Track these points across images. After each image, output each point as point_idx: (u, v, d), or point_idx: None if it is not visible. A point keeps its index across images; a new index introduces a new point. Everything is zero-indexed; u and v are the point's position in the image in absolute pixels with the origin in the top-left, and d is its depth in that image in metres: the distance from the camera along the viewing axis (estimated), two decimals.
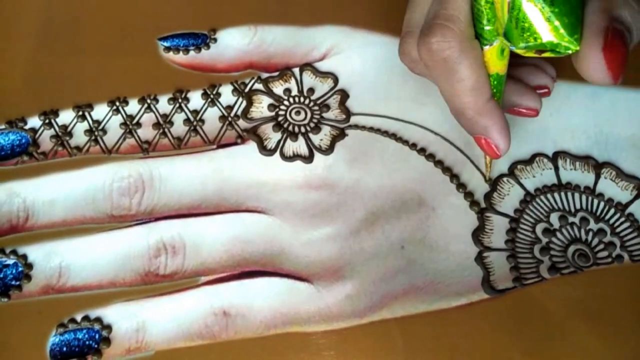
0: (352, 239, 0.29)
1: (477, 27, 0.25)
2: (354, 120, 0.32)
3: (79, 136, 0.32)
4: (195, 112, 0.32)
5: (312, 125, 0.32)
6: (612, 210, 0.29)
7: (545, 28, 0.23)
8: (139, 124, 0.32)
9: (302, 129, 0.32)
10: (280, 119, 0.32)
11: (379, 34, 0.34)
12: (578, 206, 0.30)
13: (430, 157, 0.31)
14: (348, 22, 0.34)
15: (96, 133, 0.32)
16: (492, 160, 0.30)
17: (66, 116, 0.32)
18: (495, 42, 0.25)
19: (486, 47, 0.25)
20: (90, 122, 0.32)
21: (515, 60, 0.27)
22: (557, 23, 0.22)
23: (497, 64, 0.25)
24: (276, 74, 0.33)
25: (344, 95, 0.33)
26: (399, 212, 0.30)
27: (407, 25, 0.27)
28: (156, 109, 0.32)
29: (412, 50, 0.27)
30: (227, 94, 0.33)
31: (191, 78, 0.33)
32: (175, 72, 0.34)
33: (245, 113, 0.32)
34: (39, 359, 0.27)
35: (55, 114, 0.32)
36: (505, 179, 0.30)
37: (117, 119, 0.32)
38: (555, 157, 0.31)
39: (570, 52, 0.23)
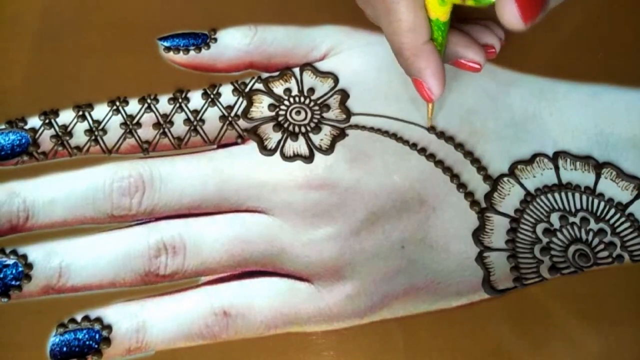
0: (353, 239, 0.29)
1: None
2: (354, 120, 0.32)
3: (79, 136, 0.32)
4: (195, 112, 0.32)
5: (312, 125, 0.32)
6: (613, 210, 0.29)
7: None
8: (139, 124, 0.32)
9: (303, 129, 0.32)
10: (280, 118, 0.32)
11: (379, 33, 0.34)
12: (578, 206, 0.30)
13: (431, 157, 0.31)
14: (348, 22, 0.34)
15: (96, 133, 0.32)
16: (432, 108, 0.30)
17: (66, 116, 0.32)
18: None
19: None
20: (91, 122, 0.32)
21: (466, 18, 0.28)
22: None
23: (438, 10, 0.26)
24: (276, 73, 0.33)
25: (344, 95, 0.33)
26: (399, 212, 0.30)
27: None
28: (156, 108, 0.32)
29: None
30: (227, 94, 0.33)
31: (191, 78, 0.33)
32: (176, 72, 0.34)
33: (246, 113, 0.32)
34: (39, 359, 0.27)
35: (56, 113, 0.32)
36: (505, 178, 0.30)
37: (118, 119, 0.32)
38: (555, 157, 0.31)
39: (488, 2, 0.25)
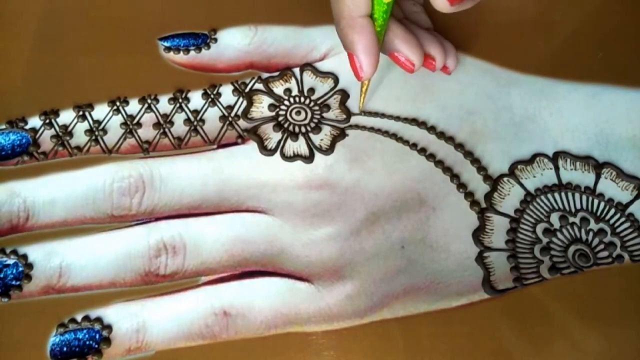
0: (353, 239, 0.29)
1: None
2: (354, 120, 0.32)
3: (80, 136, 0.32)
4: (195, 112, 0.32)
5: (312, 125, 0.32)
6: (613, 211, 0.29)
7: None
8: (139, 124, 0.32)
9: (303, 129, 0.32)
10: (280, 118, 0.32)
11: None
12: (578, 206, 0.30)
13: (431, 157, 0.31)
14: None
15: (96, 133, 0.32)
16: (365, 89, 0.30)
17: (66, 116, 0.32)
18: None
19: None
20: (91, 122, 0.32)
21: (419, 23, 0.30)
22: None
23: None
24: (276, 74, 0.33)
25: (345, 95, 0.33)
26: (399, 212, 0.30)
27: None
28: (157, 108, 0.32)
29: None
30: (227, 94, 0.33)
31: (191, 78, 0.33)
32: (176, 72, 0.34)
33: (246, 113, 0.32)
34: (39, 358, 0.27)
35: (56, 113, 0.32)
36: (505, 178, 0.30)
37: (118, 119, 0.32)
38: (555, 157, 0.31)
39: None
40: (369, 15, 0.27)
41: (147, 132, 0.32)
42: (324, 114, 0.32)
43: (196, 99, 0.33)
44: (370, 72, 0.27)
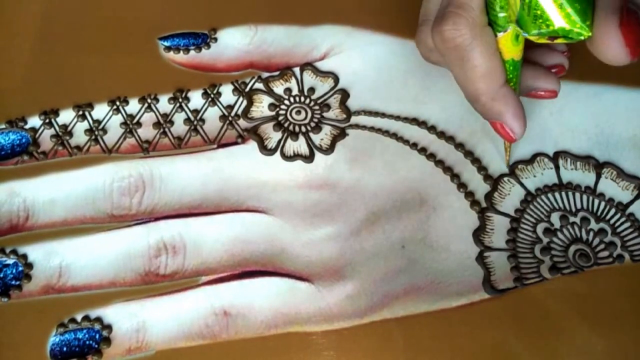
0: (353, 239, 0.29)
1: (490, 14, 0.25)
2: (354, 119, 0.32)
3: (79, 136, 0.32)
4: (195, 112, 0.32)
5: (312, 124, 0.32)
6: (613, 210, 0.29)
7: (557, 15, 0.23)
8: (139, 124, 0.32)
9: (303, 129, 0.32)
10: (280, 118, 0.32)
11: (379, 33, 0.34)
12: (579, 206, 0.30)
13: (431, 156, 0.31)
14: (349, 22, 0.34)
15: (96, 132, 0.32)
16: (510, 144, 0.30)
17: (66, 116, 0.32)
18: (509, 29, 0.25)
19: (500, 34, 0.25)
20: (91, 121, 0.32)
21: (526, 43, 0.27)
22: (569, 10, 0.22)
23: (512, 50, 0.25)
24: (277, 73, 0.33)
25: (345, 94, 0.33)
26: (399, 212, 0.30)
27: (423, 15, 0.28)
28: (156, 108, 0.32)
29: (427, 38, 0.27)
30: (227, 94, 0.33)
31: (191, 77, 0.33)
32: (176, 71, 0.34)
33: (246, 112, 0.32)
34: (39, 358, 0.27)
35: (56, 113, 0.32)
36: (506, 178, 0.30)
37: (118, 119, 0.32)
38: (556, 157, 0.31)
39: (582, 38, 0.23)
40: (505, 81, 0.26)
41: (147, 131, 0.32)
42: (324, 114, 0.32)
43: (196, 99, 0.33)
44: (523, 132, 0.27)
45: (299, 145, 0.31)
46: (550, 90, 0.29)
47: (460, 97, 0.32)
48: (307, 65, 0.33)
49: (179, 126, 0.32)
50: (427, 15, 0.27)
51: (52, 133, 0.32)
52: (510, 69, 0.26)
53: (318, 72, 0.33)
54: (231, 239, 0.29)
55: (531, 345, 0.27)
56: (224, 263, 0.29)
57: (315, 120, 0.32)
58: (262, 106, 0.32)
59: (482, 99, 0.26)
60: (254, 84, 0.33)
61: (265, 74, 0.33)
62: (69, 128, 0.32)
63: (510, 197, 0.30)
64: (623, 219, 0.29)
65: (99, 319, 0.28)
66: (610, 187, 0.30)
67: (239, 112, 0.32)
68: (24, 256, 0.29)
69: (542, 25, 0.23)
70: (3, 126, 0.32)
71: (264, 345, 0.27)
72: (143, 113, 0.32)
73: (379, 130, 0.32)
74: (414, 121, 0.32)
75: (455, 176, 0.30)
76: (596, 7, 0.23)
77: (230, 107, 0.32)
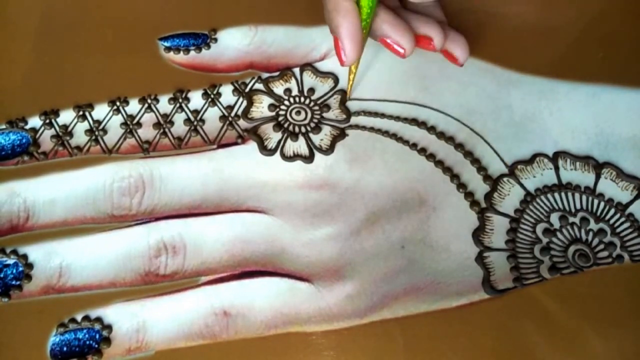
0: (353, 239, 0.29)
1: None
2: (354, 120, 0.32)
3: (80, 136, 0.32)
4: (195, 112, 0.32)
5: (312, 125, 0.32)
6: (613, 211, 0.29)
7: None
8: (139, 124, 0.32)
9: (303, 129, 0.32)
10: (280, 118, 0.32)
11: None
12: (578, 206, 0.30)
13: (431, 157, 0.31)
14: None
15: (97, 133, 0.32)
16: (354, 75, 0.31)
17: (67, 116, 0.32)
18: None
19: None
20: (91, 122, 0.32)
21: (409, 7, 0.29)
22: None
23: None
24: (276, 74, 0.33)
25: (345, 95, 0.33)
26: (399, 212, 0.30)
27: None
28: (157, 108, 0.32)
29: None
30: (227, 94, 0.33)
31: (192, 78, 0.33)
32: (176, 72, 0.34)
33: (246, 113, 0.32)
34: (40, 358, 0.27)
35: (56, 113, 0.32)
36: (505, 178, 0.30)
37: (118, 119, 0.32)
38: (555, 157, 0.31)
39: None
40: (355, 1, 0.27)
41: (147, 132, 0.32)
42: (324, 114, 0.32)
43: (196, 99, 0.33)
44: (352, 57, 0.28)
45: (299, 146, 0.31)
46: (400, 45, 0.29)
47: (460, 97, 0.32)
48: (307, 66, 0.33)
49: (179, 126, 0.32)
50: None
51: (53, 133, 0.32)
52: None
53: (318, 72, 0.33)
54: (231, 239, 0.29)
55: (531, 345, 0.27)
56: (224, 263, 0.29)
57: (315, 120, 0.32)
58: (262, 106, 0.32)
59: (328, 6, 0.27)
60: (254, 84, 0.33)
61: (265, 75, 0.33)
62: (70, 128, 0.32)
63: (510, 198, 0.30)
64: (622, 219, 0.29)
65: (99, 319, 0.28)
66: (609, 187, 0.30)
67: (239, 112, 0.32)
68: (24, 256, 0.29)
69: None
70: (3, 126, 0.32)
71: (264, 345, 0.27)
72: (143, 113, 0.32)
73: (378, 131, 0.32)
74: (414, 121, 0.32)
75: (455, 176, 0.31)
76: None
77: (230, 108, 0.32)
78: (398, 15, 0.29)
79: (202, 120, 0.32)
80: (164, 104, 0.33)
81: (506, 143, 0.31)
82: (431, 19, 0.30)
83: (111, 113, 0.32)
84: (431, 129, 0.31)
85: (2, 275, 0.28)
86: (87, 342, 0.27)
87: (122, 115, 0.32)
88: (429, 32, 0.29)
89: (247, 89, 0.33)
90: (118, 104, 0.33)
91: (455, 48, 0.31)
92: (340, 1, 0.27)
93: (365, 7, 0.28)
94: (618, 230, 0.29)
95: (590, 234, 0.29)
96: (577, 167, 0.30)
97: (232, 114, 0.32)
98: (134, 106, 0.33)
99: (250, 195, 0.30)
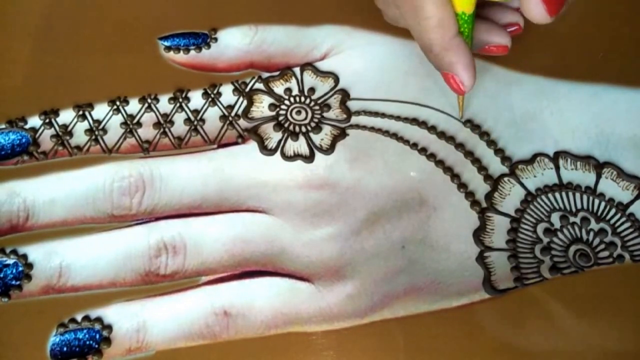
0: (353, 239, 0.29)
1: None
2: (354, 120, 0.32)
3: (80, 136, 0.32)
4: (195, 112, 0.32)
5: (312, 124, 0.32)
6: (613, 210, 0.29)
7: None
8: (139, 124, 0.32)
9: (303, 129, 0.32)
10: (281, 118, 0.32)
11: (379, 33, 0.34)
12: (579, 206, 0.30)
13: (431, 157, 0.31)
14: (349, 22, 0.34)
15: (96, 132, 0.32)
16: (463, 99, 0.31)
17: (66, 116, 0.32)
18: None
19: None
20: (91, 121, 0.32)
21: (483, 1, 0.29)
22: None
23: (463, 3, 0.27)
24: (277, 73, 0.33)
25: (345, 94, 0.33)
26: (400, 212, 0.30)
27: None
28: (157, 108, 0.32)
29: None
30: (227, 94, 0.33)
31: (192, 77, 0.33)
32: (176, 71, 0.34)
33: (246, 113, 0.32)
34: (39, 358, 0.27)
35: (56, 113, 0.32)
36: (506, 178, 0.30)
37: (118, 119, 0.32)
38: (556, 157, 0.31)
39: None
40: (458, 32, 0.27)
41: (147, 131, 0.32)
42: (325, 114, 0.32)
43: (196, 99, 0.33)
44: (472, 84, 0.28)
45: (299, 145, 0.31)
46: (501, 45, 0.30)
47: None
48: (308, 65, 0.33)
49: (179, 126, 0.32)
50: None
51: (52, 133, 0.32)
52: (461, 22, 0.27)
53: (318, 72, 0.33)
54: (231, 239, 0.29)
55: (531, 345, 0.27)
56: (224, 263, 0.29)
57: (316, 120, 0.32)
58: (262, 106, 0.32)
59: (435, 49, 0.27)
60: (254, 84, 0.33)
61: (265, 74, 0.33)
62: (69, 128, 0.32)
63: (511, 197, 0.30)
64: (623, 219, 0.29)
65: (99, 319, 0.28)
66: (610, 187, 0.30)
67: (239, 112, 0.32)
68: (24, 256, 0.29)
69: None
70: (3, 126, 0.32)
71: (264, 345, 0.27)
72: (143, 113, 0.32)
73: (379, 131, 0.32)
74: (414, 121, 0.32)
75: (455, 176, 0.30)
76: None
77: (230, 107, 0.32)
78: (481, 16, 0.30)
79: (202, 120, 0.32)
80: (164, 104, 0.33)
81: (507, 143, 0.31)
82: (505, 6, 0.31)
83: (111, 113, 0.32)
84: (432, 129, 0.31)
85: (2, 275, 0.28)
86: (87, 342, 0.27)
87: (122, 114, 0.32)
88: (512, 18, 0.31)
89: (248, 89, 0.33)
90: (118, 103, 0.33)
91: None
92: (448, 40, 0.27)
93: (466, 32, 0.28)
94: (619, 230, 0.29)
95: (591, 233, 0.29)
96: (577, 166, 0.30)
97: (233, 114, 0.32)
98: (134, 106, 0.32)
99: (250, 195, 0.30)
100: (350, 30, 0.34)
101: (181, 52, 0.34)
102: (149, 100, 0.33)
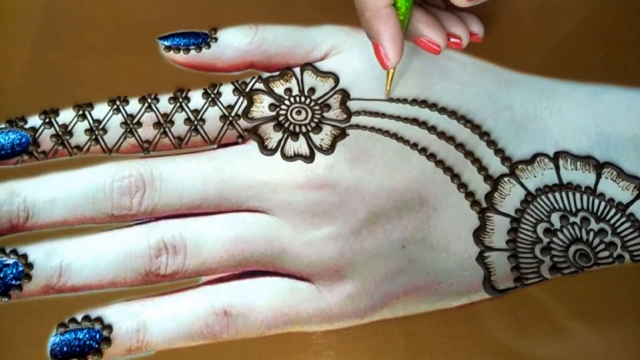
0: (353, 239, 0.29)
1: None
2: (354, 119, 0.32)
3: (80, 135, 0.32)
4: (196, 112, 0.32)
5: (313, 124, 0.32)
6: (613, 210, 0.29)
7: None
8: (139, 124, 0.32)
9: (303, 129, 0.32)
10: (281, 118, 0.32)
11: None
12: (579, 206, 0.30)
13: (432, 157, 0.31)
14: (349, 22, 0.34)
15: (96, 132, 0.32)
16: (392, 77, 0.31)
17: (66, 115, 0.32)
18: None
19: None
20: (91, 121, 0.32)
21: (440, 5, 0.30)
22: None
23: None
24: (277, 73, 0.33)
25: (345, 94, 0.33)
26: (400, 212, 0.30)
27: None
28: (157, 108, 0.32)
29: None
30: (227, 94, 0.33)
31: (192, 77, 0.33)
32: (176, 71, 0.34)
33: (246, 112, 0.32)
34: (40, 358, 0.27)
35: (56, 113, 0.32)
36: (506, 178, 0.30)
37: (118, 118, 0.32)
38: (556, 157, 0.31)
39: None
40: (392, 4, 0.27)
41: (147, 131, 0.32)
42: (325, 114, 0.32)
43: (196, 99, 0.33)
44: (396, 60, 0.28)
45: (300, 146, 0.31)
46: (434, 43, 0.30)
47: (461, 97, 0.32)
48: (308, 66, 0.33)
49: (179, 126, 0.32)
50: None
51: (52, 133, 0.32)
52: (402, 1, 0.28)
53: (318, 72, 0.33)
54: (231, 239, 0.29)
55: (531, 345, 0.27)
56: (225, 263, 0.29)
57: (316, 120, 0.32)
58: (262, 106, 0.32)
59: (366, 13, 0.28)
60: (254, 84, 0.33)
61: (265, 74, 0.33)
62: (69, 128, 0.32)
63: (511, 197, 0.30)
64: (623, 219, 0.29)
65: (99, 319, 0.28)
66: (610, 187, 0.30)
67: (240, 112, 0.32)
68: (24, 256, 0.29)
69: None
70: (3, 126, 0.32)
71: (264, 345, 0.27)
72: (143, 113, 0.32)
73: (379, 131, 0.32)
74: (414, 121, 0.32)
75: (455, 176, 0.30)
76: None
77: (230, 107, 0.32)
78: (428, 12, 0.30)
79: (203, 120, 0.32)
80: (164, 104, 0.33)
81: (507, 143, 0.31)
82: (454, 15, 0.31)
83: (111, 112, 0.32)
84: (432, 129, 0.31)
85: (2, 275, 0.28)
86: (88, 342, 0.27)
87: (122, 114, 0.32)
88: (457, 31, 0.30)
89: (248, 89, 0.33)
90: (118, 103, 0.33)
91: (472, 27, 0.31)
92: (380, 8, 0.27)
93: (402, 8, 0.28)
94: (619, 230, 0.29)
95: (591, 233, 0.29)
96: (577, 167, 0.30)
97: (233, 114, 0.32)
98: (134, 105, 0.32)
99: (250, 195, 0.30)
100: (350, 31, 0.34)
101: (181, 51, 0.34)
102: (149, 100, 0.33)
